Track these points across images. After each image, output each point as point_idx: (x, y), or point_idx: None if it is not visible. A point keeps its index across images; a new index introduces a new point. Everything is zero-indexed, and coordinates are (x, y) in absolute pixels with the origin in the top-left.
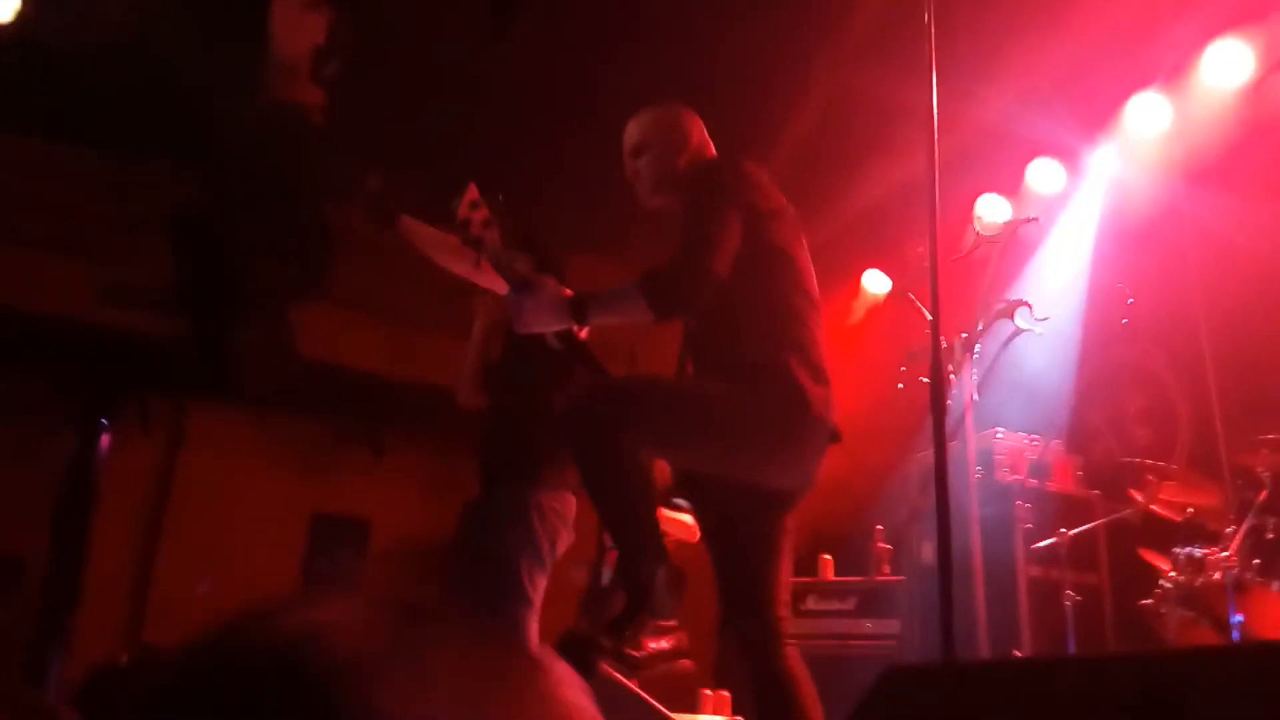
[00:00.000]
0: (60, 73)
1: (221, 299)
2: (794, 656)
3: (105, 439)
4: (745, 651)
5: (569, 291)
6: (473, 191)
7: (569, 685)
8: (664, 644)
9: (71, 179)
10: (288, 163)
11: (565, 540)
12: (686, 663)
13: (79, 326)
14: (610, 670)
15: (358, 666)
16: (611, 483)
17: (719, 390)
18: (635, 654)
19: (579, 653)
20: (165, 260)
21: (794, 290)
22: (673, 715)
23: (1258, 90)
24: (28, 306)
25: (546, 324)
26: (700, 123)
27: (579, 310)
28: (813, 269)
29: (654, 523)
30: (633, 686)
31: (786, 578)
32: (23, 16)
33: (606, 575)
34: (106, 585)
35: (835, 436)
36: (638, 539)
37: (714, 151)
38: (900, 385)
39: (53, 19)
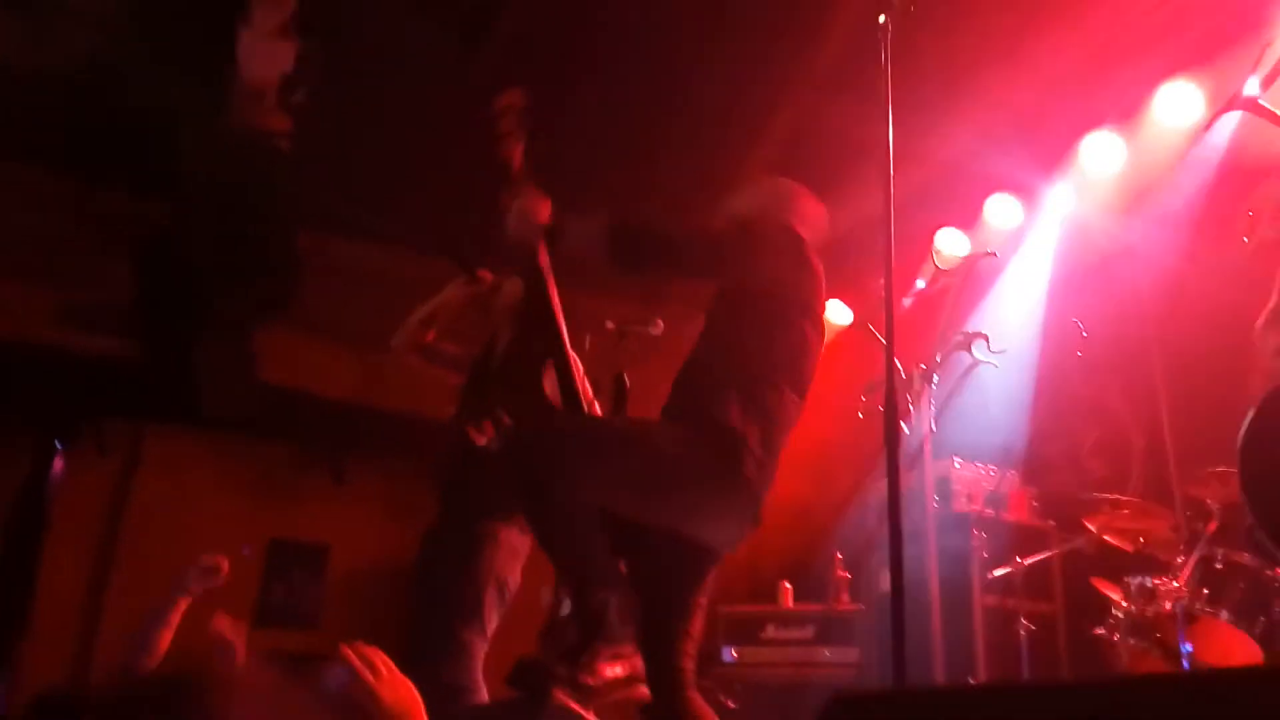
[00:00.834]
0: (24, 96)
1: (183, 322)
2: (696, 701)
3: (59, 461)
4: (653, 695)
5: None
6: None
7: None
8: (620, 670)
9: (35, 202)
10: (253, 188)
11: (515, 578)
12: (642, 689)
13: (37, 348)
14: (564, 698)
15: None
16: (555, 519)
17: (670, 434)
18: (590, 682)
19: (533, 681)
20: (127, 283)
21: (792, 375)
22: None
23: (1207, 131)
24: None
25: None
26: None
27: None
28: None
29: (602, 551)
30: (588, 716)
31: (698, 628)
32: None
33: (565, 604)
34: (56, 611)
35: (757, 520)
36: (585, 569)
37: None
38: (861, 415)
39: (17, 43)
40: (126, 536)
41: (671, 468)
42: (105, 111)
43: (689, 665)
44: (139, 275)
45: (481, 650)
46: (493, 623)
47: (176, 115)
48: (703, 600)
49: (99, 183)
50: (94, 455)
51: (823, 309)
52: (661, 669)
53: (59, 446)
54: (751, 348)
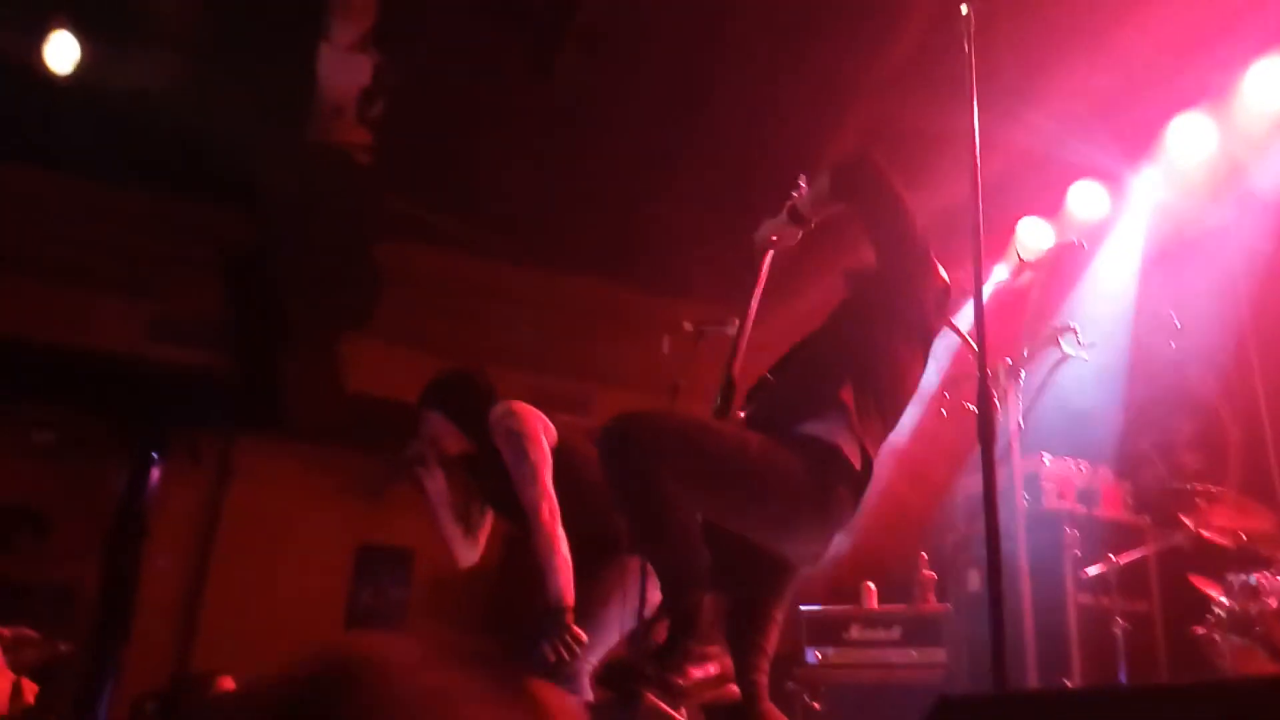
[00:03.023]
0: (113, 117)
1: (270, 335)
2: (772, 713)
3: (156, 472)
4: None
5: None
6: None
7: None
8: (710, 670)
9: (129, 220)
10: (334, 201)
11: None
12: (733, 688)
13: (133, 362)
14: (655, 700)
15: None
16: (649, 508)
17: (767, 446)
18: (680, 682)
19: (623, 683)
20: (216, 298)
21: (895, 397)
22: None
23: None
24: (84, 343)
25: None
26: None
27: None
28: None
29: (697, 548)
30: (678, 717)
31: (773, 644)
32: (81, 66)
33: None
34: (156, 616)
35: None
36: (679, 565)
37: None
38: (944, 412)
39: (104, 65)
40: (221, 544)
41: (764, 477)
42: (191, 129)
43: (763, 680)
44: (227, 289)
45: (583, 665)
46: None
47: (259, 131)
48: (779, 615)
49: (187, 200)
50: (188, 466)
51: (936, 335)
52: (738, 680)
53: (155, 458)
54: (866, 361)
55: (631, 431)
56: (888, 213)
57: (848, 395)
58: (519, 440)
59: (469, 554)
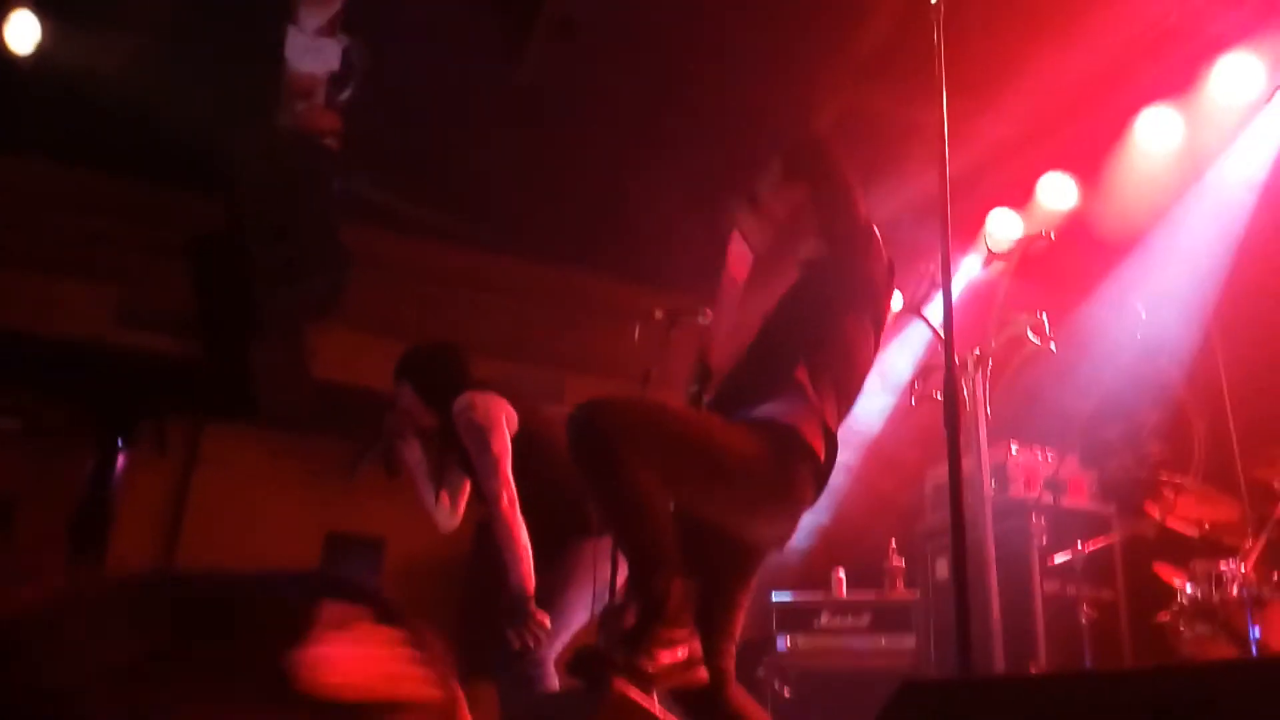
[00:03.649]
0: (81, 102)
1: (238, 322)
2: (739, 697)
3: (122, 459)
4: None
5: None
6: None
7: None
8: (679, 654)
9: (92, 205)
10: (303, 187)
11: (604, 576)
12: (701, 673)
13: (98, 349)
14: (624, 687)
15: (20, 645)
16: (620, 493)
17: (726, 429)
18: (649, 668)
19: (591, 669)
20: (183, 284)
21: (852, 371)
22: None
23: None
24: (48, 329)
25: None
26: None
27: None
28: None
29: (667, 533)
30: (648, 702)
31: (738, 628)
32: (42, 47)
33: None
34: None
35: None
36: (648, 549)
37: None
38: (913, 402)
39: (69, 49)
40: (188, 531)
41: (727, 460)
42: (158, 114)
43: (730, 665)
44: (195, 275)
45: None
46: (568, 631)
47: (227, 116)
48: (745, 600)
49: (154, 184)
50: (154, 453)
51: (886, 311)
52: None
53: (120, 444)
54: (818, 340)
55: (598, 418)
56: (834, 192)
57: (802, 374)
58: (480, 433)
59: (449, 521)
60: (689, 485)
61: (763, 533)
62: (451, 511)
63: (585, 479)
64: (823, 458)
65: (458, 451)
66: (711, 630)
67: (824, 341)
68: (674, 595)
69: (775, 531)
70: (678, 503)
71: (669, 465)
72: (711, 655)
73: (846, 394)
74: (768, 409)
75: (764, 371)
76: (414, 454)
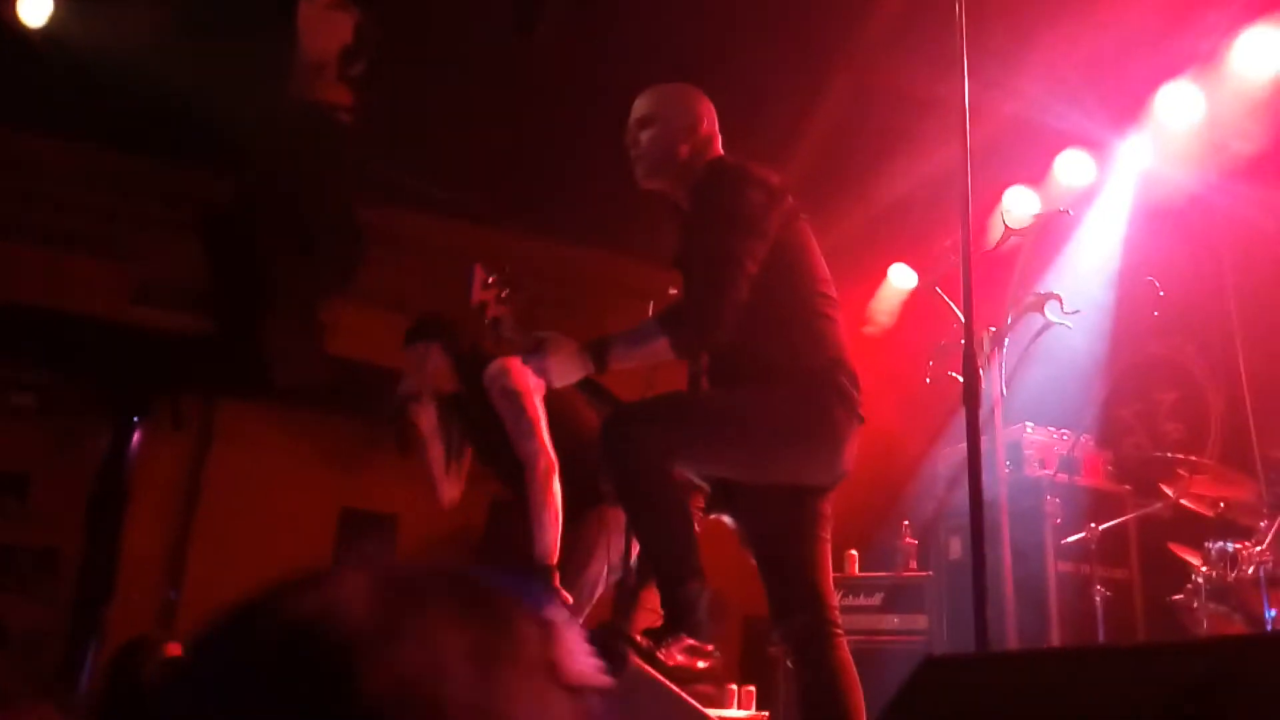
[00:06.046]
0: (94, 77)
1: (252, 298)
2: (843, 648)
3: (138, 435)
4: (799, 646)
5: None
6: (480, 272)
7: (578, 653)
8: (699, 666)
9: (106, 181)
10: (315, 161)
11: (618, 546)
12: (706, 687)
13: (113, 325)
14: (641, 663)
15: (369, 639)
16: (649, 505)
17: (745, 397)
18: (667, 661)
19: (611, 644)
20: (198, 260)
21: (815, 289)
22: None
23: None
24: (64, 306)
25: (572, 375)
26: (713, 112)
27: (599, 356)
28: (824, 262)
29: (693, 543)
30: (662, 679)
31: (829, 567)
32: (56, 21)
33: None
34: (139, 578)
35: (861, 419)
36: (678, 560)
37: (720, 148)
38: (928, 380)
39: (81, 23)
40: (203, 507)
41: (755, 424)
42: (170, 88)
43: (835, 607)
44: (209, 251)
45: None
46: (588, 601)
47: (240, 90)
48: (827, 535)
49: (168, 161)
50: (169, 430)
51: (789, 202)
52: (808, 616)
53: (136, 421)
54: (772, 290)
55: (625, 429)
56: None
57: (763, 338)
58: (517, 397)
59: (452, 490)
60: (729, 457)
61: (811, 470)
62: (455, 480)
63: (616, 490)
64: (829, 375)
65: (474, 423)
66: (813, 582)
67: (758, 314)
68: (700, 608)
69: (822, 464)
70: (729, 478)
71: (708, 449)
72: (816, 606)
73: (810, 312)
74: (755, 361)
75: (735, 335)
76: (429, 419)
